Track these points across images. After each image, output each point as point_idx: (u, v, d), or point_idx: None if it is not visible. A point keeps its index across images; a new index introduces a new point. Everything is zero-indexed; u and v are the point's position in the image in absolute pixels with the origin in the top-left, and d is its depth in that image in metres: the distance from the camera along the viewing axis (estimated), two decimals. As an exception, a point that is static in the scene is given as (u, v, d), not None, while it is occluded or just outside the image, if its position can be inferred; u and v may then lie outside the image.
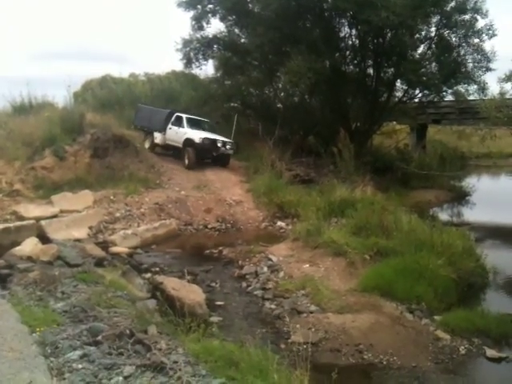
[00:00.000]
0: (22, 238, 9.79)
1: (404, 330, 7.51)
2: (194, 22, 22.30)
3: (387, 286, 8.64)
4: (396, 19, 16.99)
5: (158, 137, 18.75)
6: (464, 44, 20.06)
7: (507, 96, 16.19)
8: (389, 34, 19.85)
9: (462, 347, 7.21)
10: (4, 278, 7.68)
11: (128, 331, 5.56)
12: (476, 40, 19.76)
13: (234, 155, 18.88)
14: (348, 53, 22.17)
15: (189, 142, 17.67)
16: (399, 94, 22.48)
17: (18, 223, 10.89)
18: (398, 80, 21.50)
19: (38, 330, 5.33)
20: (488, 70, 19.82)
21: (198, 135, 17.58)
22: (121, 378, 4.50)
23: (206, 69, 28.99)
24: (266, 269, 9.98)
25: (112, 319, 5.99)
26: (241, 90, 23.53)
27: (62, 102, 18.62)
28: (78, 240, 10.84)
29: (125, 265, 9.74)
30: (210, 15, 22.31)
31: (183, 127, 18.18)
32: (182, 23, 62.66)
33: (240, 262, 10.66)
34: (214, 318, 7.62)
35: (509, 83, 15.81)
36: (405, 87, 21.76)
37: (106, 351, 5.04)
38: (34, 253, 9.01)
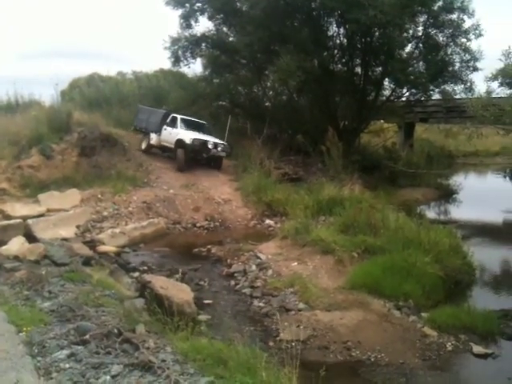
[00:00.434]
0: (8, 237, 9.69)
1: (392, 327, 7.54)
2: (182, 21, 22.21)
3: (375, 283, 8.69)
4: (384, 18, 17.07)
5: (153, 138, 18.32)
6: (451, 43, 20.20)
7: (494, 95, 16.38)
8: (377, 33, 19.93)
9: (449, 344, 7.25)
10: (-10, 278, 7.59)
11: (116, 330, 5.53)
12: (463, 40, 19.94)
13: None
14: (336, 52, 22.20)
15: (180, 143, 17.25)
16: (387, 92, 22.58)
17: (5, 222, 10.78)
18: (386, 79, 21.60)
19: (24, 329, 5.30)
20: (475, 69, 19.97)
21: (188, 136, 17.17)
22: (108, 377, 4.48)
23: (195, 67, 29.12)
24: (254, 267, 10.00)
25: (100, 318, 5.95)
26: (229, 89, 23.45)
27: (49, 100, 18.62)
28: (66, 239, 10.74)
29: (112, 264, 9.70)
30: (198, 13, 22.22)
31: (177, 128, 17.79)
32: (170, 21, 62.45)
33: (228, 260, 10.66)
34: (203, 317, 7.60)
35: (495, 82, 15.99)
36: (392, 86, 21.85)
37: (94, 350, 5.02)
38: (21, 252, 8.92)
